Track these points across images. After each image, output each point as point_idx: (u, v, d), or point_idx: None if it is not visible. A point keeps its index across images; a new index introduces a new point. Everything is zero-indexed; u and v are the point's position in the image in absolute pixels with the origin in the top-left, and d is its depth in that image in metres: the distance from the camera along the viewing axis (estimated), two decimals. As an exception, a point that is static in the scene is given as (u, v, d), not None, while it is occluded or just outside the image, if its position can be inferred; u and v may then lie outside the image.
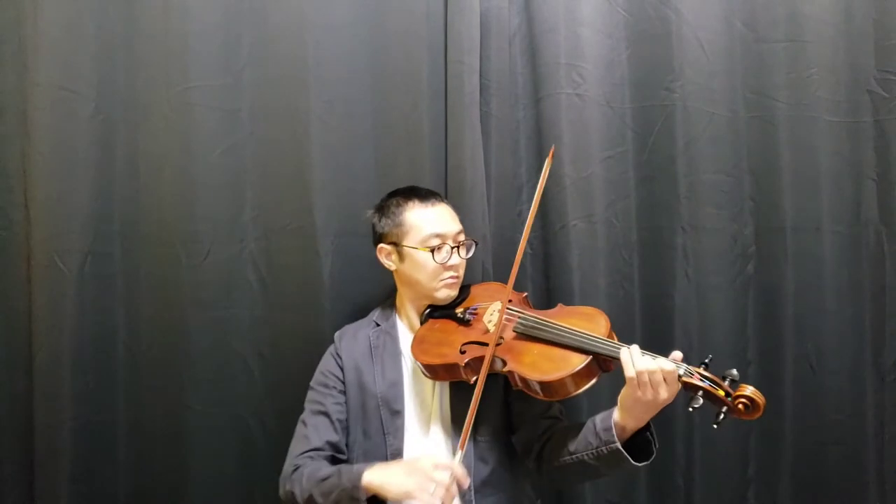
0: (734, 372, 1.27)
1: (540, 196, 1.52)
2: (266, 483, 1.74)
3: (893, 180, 1.83)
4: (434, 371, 1.47)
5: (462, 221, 1.72)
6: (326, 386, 1.55)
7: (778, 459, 1.85)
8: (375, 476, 1.35)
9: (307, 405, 1.56)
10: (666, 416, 1.74)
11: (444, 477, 1.28)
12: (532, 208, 1.52)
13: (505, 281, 1.64)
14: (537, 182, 1.85)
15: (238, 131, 1.78)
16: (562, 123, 1.81)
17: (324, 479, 1.40)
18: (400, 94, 1.80)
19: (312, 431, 1.51)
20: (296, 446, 1.51)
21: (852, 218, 1.85)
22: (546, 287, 1.85)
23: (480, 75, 1.80)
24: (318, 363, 1.61)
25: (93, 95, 1.74)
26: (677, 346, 1.82)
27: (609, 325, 1.39)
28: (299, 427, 1.53)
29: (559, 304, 1.57)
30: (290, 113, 1.77)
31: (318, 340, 1.66)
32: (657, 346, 1.81)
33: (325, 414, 1.52)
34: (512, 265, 1.81)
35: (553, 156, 1.52)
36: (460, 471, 1.31)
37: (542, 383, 1.33)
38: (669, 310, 1.86)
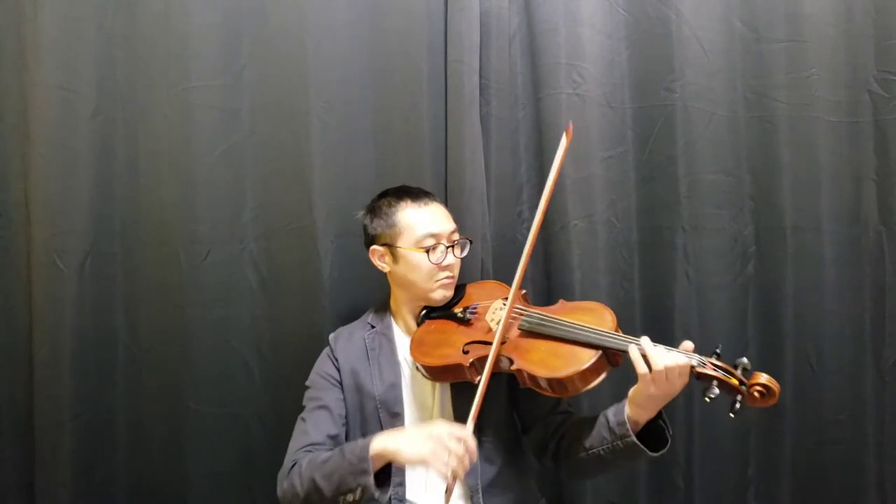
0: (745, 360, 1.27)
1: (556, 178, 1.44)
2: (266, 483, 1.73)
3: (893, 180, 1.82)
4: (435, 373, 1.46)
5: (462, 221, 1.72)
6: (325, 381, 1.54)
7: (778, 459, 1.85)
8: (387, 442, 1.32)
9: (306, 403, 1.54)
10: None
11: (459, 447, 1.27)
12: (547, 190, 1.44)
13: (504, 280, 1.63)
14: (538, 181, 1.86)
15: (238, 131, 1.78)
16: (562, 123, 1.80)
17: (325, 461, 1.37)
18: (400, 94, 1.80)
19: (312, 426, 1.48)
20: (294, 442, 1.48)
21: (852, 218, 1.85)
22: (547, 287, 1.85)
23: (480, 75, 1.80)
24: (317, 363, 1.61)
25: (93, 95, 1.74)
26: (677, 346, 1.83)
27: (615, 319, 1.39)
28: (298, 424, 1.51)
29: (560, 300, 1.55)
30: (290, 113, 1.77)
31: (318, 340, 1.66)
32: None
33: (326, 408, 1.50)
34: (513, 264, 1.81)
35: (570, 133, 1.45)
36: (473, 443, 1.29)
37: (551, 380, 1.33)
38: (669, 310, 1.85)
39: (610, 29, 1.84)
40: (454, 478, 1.27)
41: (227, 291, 1.78)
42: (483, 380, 1.36)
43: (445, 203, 1.77)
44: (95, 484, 1.76)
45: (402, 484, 1.46)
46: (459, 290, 1.59)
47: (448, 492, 1.30)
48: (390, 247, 1.53)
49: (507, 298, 1.45)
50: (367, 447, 1.32)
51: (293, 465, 1.43)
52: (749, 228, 1.86)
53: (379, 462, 1.32)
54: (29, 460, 1.75)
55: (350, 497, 1.32)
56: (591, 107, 1.82)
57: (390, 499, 1.45)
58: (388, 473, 1.37)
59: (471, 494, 1.44)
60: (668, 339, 1.83)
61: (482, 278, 1.75)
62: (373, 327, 1.59)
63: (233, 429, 1.78)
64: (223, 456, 1.78)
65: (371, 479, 1.30)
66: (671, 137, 1.84)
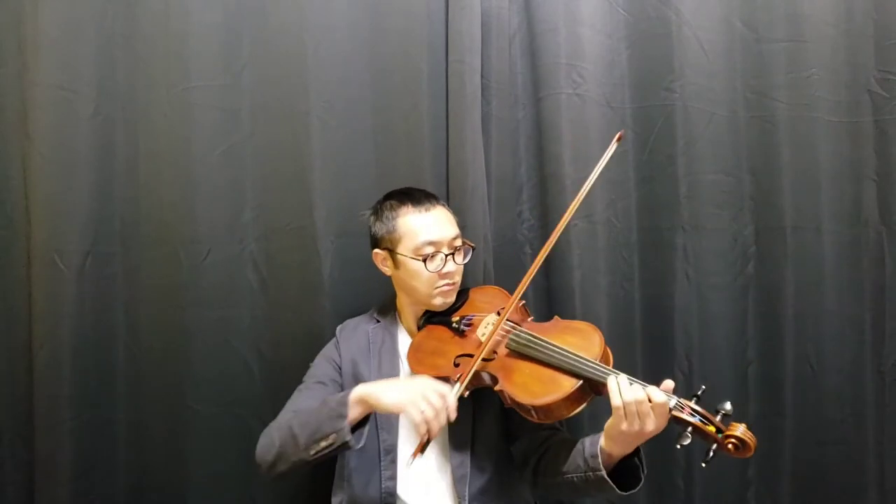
0: (728, 406, 1.22)
1: (594, 179, 1.45)
2: (266, 483, 1.75)
3: (893, 180, 1.82)
4: None
5: (463, 222, 1.72)
6: (328, 364, 1.56)
7: (778, 459, 1.85)
8: (369, 388, 1.34)
9: (305, 379, 1.56)
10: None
11: (438, 401, 1.28)
12: (582, 191, 1.45)
13: (505, 284, 1.62)
14: (538, 181, 1.86)
15: (238, 131, 1.78)
16: (562, 123, 1.81)
17: (307, 412, 1.39)
18: (400, 94, 1.80)
19: (305, 397, 1.49)
20: (285, 408, 1.49)
21: (852, 218, 1.85)
22: (546, 287, 1.84)
23: (481, 75, 1.80)
24: (318, 363, 1.61)
25: (93, 95, 1.74)
26: (677, 346, 1.84)
27: (603, 344, 1.36)
28: (293, 395, 1.52)
29: (556, 317, 1.53)
30: (290, 113, 1.77)
31: (318, 340, 1.66)
32: (657, 346, 1.83)
33: (322, 384, 1.52)
34: (513, 265, 1.82)
35: (620, 140, 1.47)
36: (453, 403, 1.30)
37: (532, 406, 1.31)
38: (669, 310, 1.85)
39: (610, 29, 1.84)
40: (428, 431, 1.27)
41: (227, 291, 1.78)
42: (460, 389, 1.34)
43: (447, 204, 1.77)
44: (95, 484, 1.76)
45: (392, 478, 1.46)
46: (462, 294, 1.58)
47: (419, 447, 1.30)
48: (391, 252, 1.53)
49: (499, 313, 1.43)
50: (348, 393, 1.34)
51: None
52: (749, 228, 1.86)
53: (359, 408, 1.33)
54: (29, 460, 1.75)
55: (323, 444, 1.33)
56: (591, 107, 1.82)
57: (381, 494, 1.45)
58: (363, 424, 1.37)
59: (460, 503, 1.44)
60: (667, 339, 1.85)
61: (484, 278, 1.75)
62: (378, 321, 1.60)
63: (233, 429, 1.77)
64: (223, 456, 1.78)
65: (345, 423, 1.31)
66: (671, 137, 1.84)
